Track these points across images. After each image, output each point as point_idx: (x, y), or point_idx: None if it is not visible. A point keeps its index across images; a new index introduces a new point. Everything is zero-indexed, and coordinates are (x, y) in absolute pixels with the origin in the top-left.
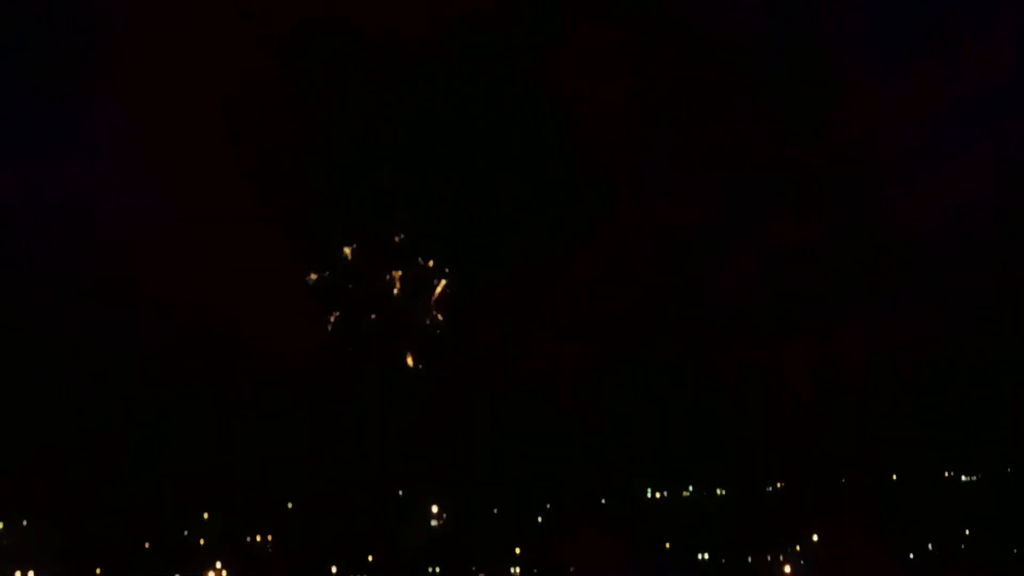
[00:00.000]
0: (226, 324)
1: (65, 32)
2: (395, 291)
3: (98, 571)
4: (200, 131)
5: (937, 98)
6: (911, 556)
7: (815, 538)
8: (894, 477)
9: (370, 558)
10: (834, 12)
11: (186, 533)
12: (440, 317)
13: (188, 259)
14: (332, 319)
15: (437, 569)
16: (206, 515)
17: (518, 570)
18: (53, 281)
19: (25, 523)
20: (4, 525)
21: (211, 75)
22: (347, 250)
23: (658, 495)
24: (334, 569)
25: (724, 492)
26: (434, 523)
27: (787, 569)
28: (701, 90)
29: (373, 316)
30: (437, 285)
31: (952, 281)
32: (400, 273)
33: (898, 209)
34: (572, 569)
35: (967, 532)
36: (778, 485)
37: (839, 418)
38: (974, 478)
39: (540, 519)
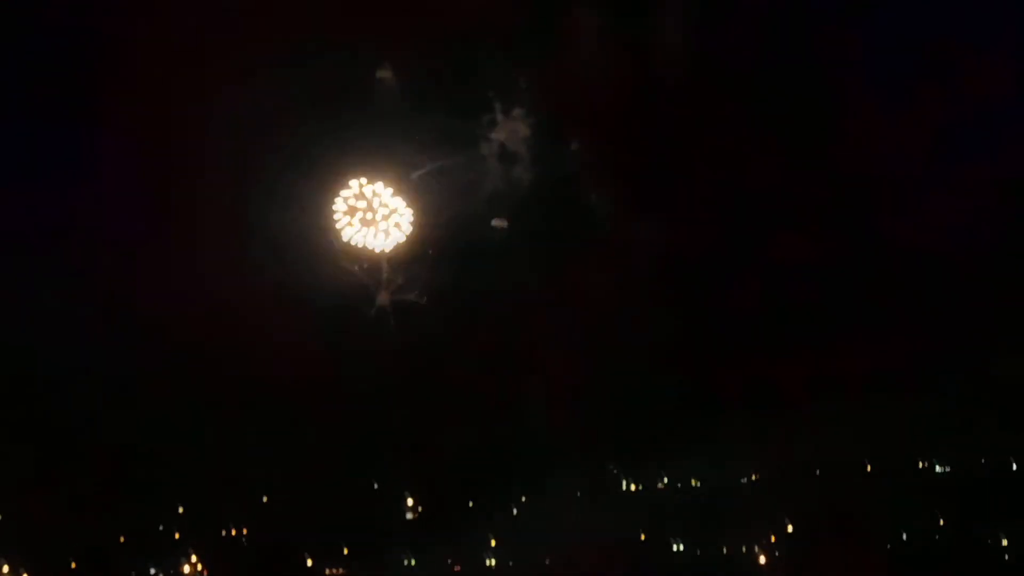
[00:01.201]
0: (206, 327)
1: (59, 52)
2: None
3: (73, 565)
4: (193, 145)
5: (934, 118)
6: (887, 547)
7: (790, 529)
8: (868, 468)
9: (345, 551)
10: (832, 34)
11: (161, 527)
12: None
13: (174, 266)
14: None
15: (413, 561)
16: (181, 509)
17: (494, 561)
18: (45, 288)
19: (0, 518)
20: None
21: (205, 93)
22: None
23: (633, 487)
24: (309, 562)
25: (699, 484)
26: (409, 515)
27: (762, 560)
28: (702, 110)
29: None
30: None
31: (950, 295)
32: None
33: (896, 226)
34: (547, 561)
35: (941, 523)
36: (753, 477)
37: (814, 413)
38: (947, 469)
39: (515, 511)
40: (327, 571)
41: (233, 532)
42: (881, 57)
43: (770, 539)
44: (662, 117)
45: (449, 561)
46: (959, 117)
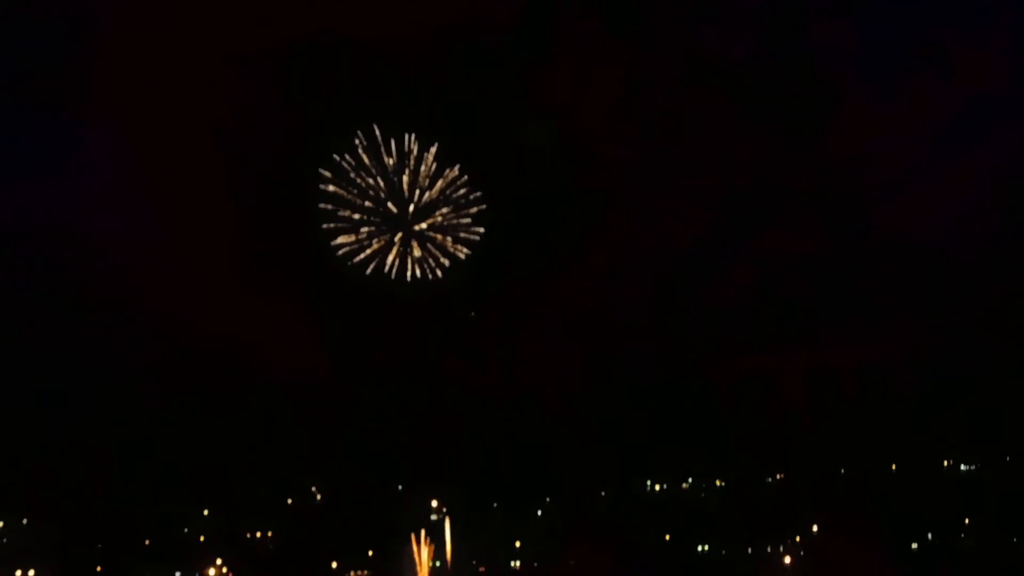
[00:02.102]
0: (225, 330)
1: (53, 53)
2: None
3: (99, 568)
4: (191, 149)
5: (926, 114)
6: (913, 546)
7: (815, 529)
8: (893, 467)
9: (370, 553)
10: (824, 31)
11: (186, 530)
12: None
13: (183, 270)
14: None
15: (437, 563)
16: (206, 512)
17: (518, 563)
18: (53, 292)
19: (26, 521)
20: (5, 523)
21: (202, 96)
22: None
23: (657, 487)
24: (334, 564)
25: (724, 484)
26: (433, 517)
27: (787, 560)
28: (694, 107)
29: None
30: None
31: (944, 290)
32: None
33: (889, 221)
34: (572, 562)
35: (967, 521)
36: (777, 477)
37: (838, 412)
38: (973, 467)
39: (540, 512)
40: (351, 573)
41: (258, 534)
42: (875, 54)
43: (795, 539)
44: (654, 113)
45: (474, 562)
46: (951, 113)
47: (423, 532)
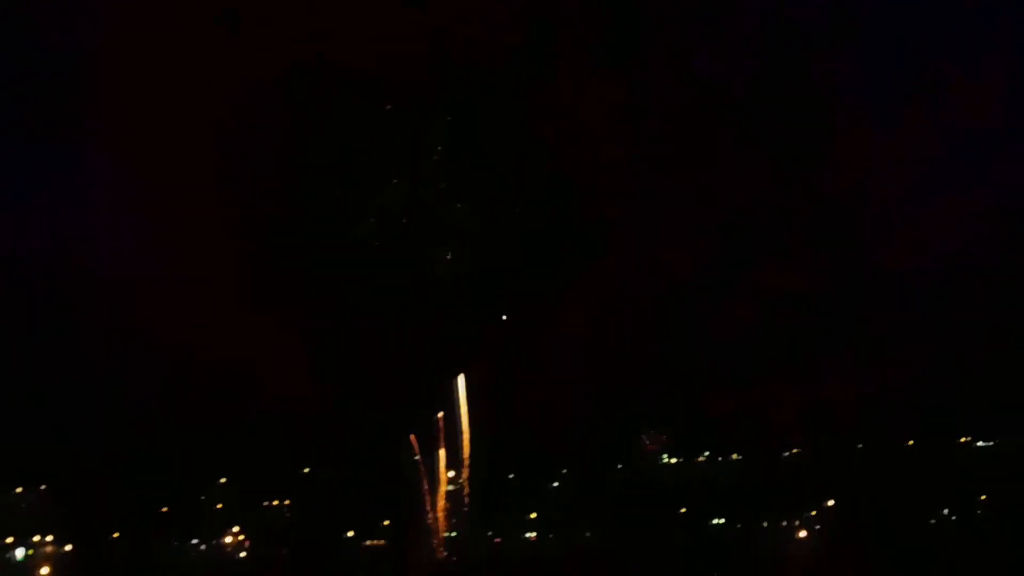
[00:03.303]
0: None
1: (54, 81)
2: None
3: (116, 535)
4: (191, 174)
5: (925, 146)
6: (931, 521)
7: (830, 503)
8: (910, 443)
9: (386, 523)
10: (823, 62)
11: (203, 498)
12: None
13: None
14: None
15: (454, 533)
16: (223, 480)
17: (534, 534)
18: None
19: (43, 488)
20: (23, 490)
21: (205, 118)
22: None
23: (673, 460)
24: (350, 533)
25: (739, 457)
26: (450, 488)
27: (802, 534)
28: (693, 138)
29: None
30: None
31: (941, 322)
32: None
33: (887, 252)
34: (587, 534)
35: (983, 497)
36: (793, 451)
37: (856, 387)
38: (990, 443)
39: (555, 485)
40: (367, 542)
41: (275, 503)
42: (872, 85)
43: (810, 513)
44: (652, 143)
45: (489, 534)
46: (950, 146)
47: (441, 495)
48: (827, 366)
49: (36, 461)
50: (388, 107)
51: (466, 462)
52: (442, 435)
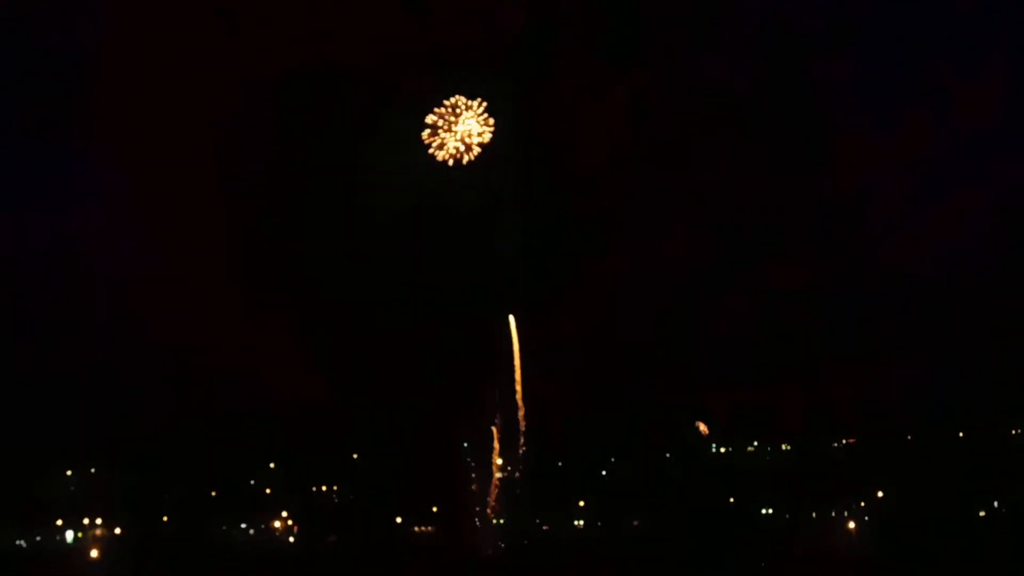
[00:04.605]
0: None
1: (51, 79)
2: None
3: (165, 519)
4: (191, 172)
5: (925, 147)
6: (980, 514)
7: (880, 494)
8: (960, 435)
9: (434, 509)
10: (823, 64)
11: (252, 483)
12: None
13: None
14: None
15: (501, 521)
16: (272, 465)
17: (582, 523)
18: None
19: (94, 471)
20: (73, 472)
21: (203, 119)
22: None
23: (723, 450)
24: (399, 519)
25: (789, 448)
26: (498, 475)
27: (851, 525)
28: (694, 137)
29: None
30: None
31: (942, 321)
32: None
33: (886, 251)
34: (635, 523)
35: None
36: (844, 442)
37: (909, 378)
38: None
39: (604, 473)
40: (415, 529)
41: (323, 488)
42: (872, 85)
43: (860, 504)
44: (653, 142)
45: (538, 521)
46: (949, 146)
47: (494, 487)
48: (881, 359)
49: (88, 444)
50: (391, 102)
51: (521, 449)
52: (498, 424)
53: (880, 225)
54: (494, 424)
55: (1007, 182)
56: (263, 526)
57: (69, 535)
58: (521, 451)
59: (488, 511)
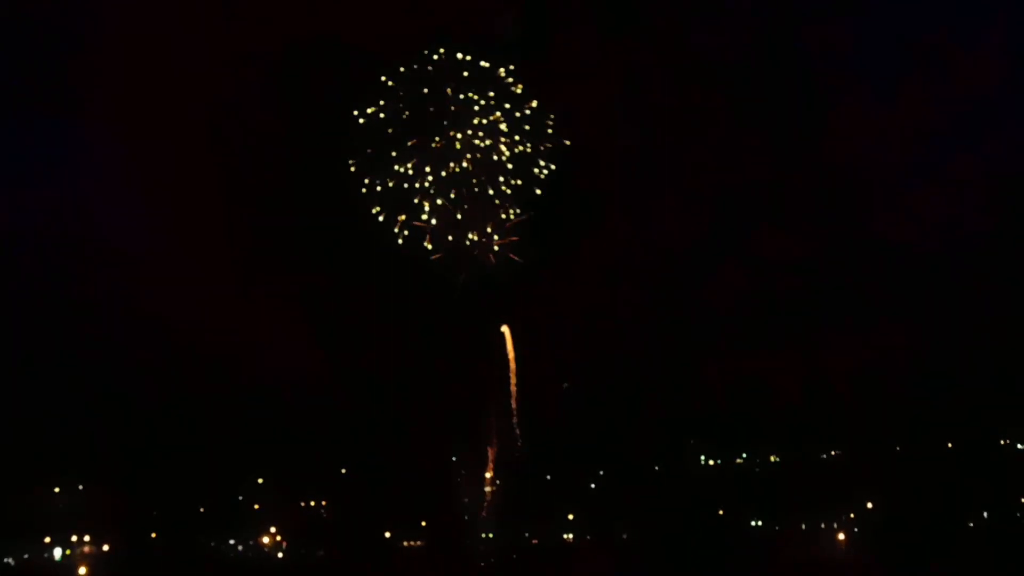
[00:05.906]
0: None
1: (50, 54)
2: None
3: (153, 535)
4: (189, 149)
5: (922, 117)
6: (969, 524)
7: (869, 506)
8: (949, 445)
9: (423, 523)
10: (820, 33)
11: (240, 498)
12: None
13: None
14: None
15: (491, 535)
16: (260, 480)
17: (571, 536)
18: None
19: (81, 487)
20: (60, 489)
21: (200, 96)
22: None
23: (711, 462)
24: (388, 534)
25: (778, 459)
26: (487, 489)
27: (841, 536)
28: (690, 108)
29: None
30: None
31: (938, 291)
32: None
33: (884, 223)
34: (625, 536)
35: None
36: (832, 453)
37: (894, 390)
38: None
39: (593, 486)
40: (405, 543)
41: (312, 503)
42: (870, 56)
43: (849, 516)
44: (650, 114)
45: (527, 535)
46: (947, 116)
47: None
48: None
49: (74, 461)
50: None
51: (510, 463)
52: (494, 438)
53: (875, 195)
54: (488, 441)
55: (1006, 153)
56: (251, 542)
57: (57, 552)
58: (515, 455)
59: (477, 525)
